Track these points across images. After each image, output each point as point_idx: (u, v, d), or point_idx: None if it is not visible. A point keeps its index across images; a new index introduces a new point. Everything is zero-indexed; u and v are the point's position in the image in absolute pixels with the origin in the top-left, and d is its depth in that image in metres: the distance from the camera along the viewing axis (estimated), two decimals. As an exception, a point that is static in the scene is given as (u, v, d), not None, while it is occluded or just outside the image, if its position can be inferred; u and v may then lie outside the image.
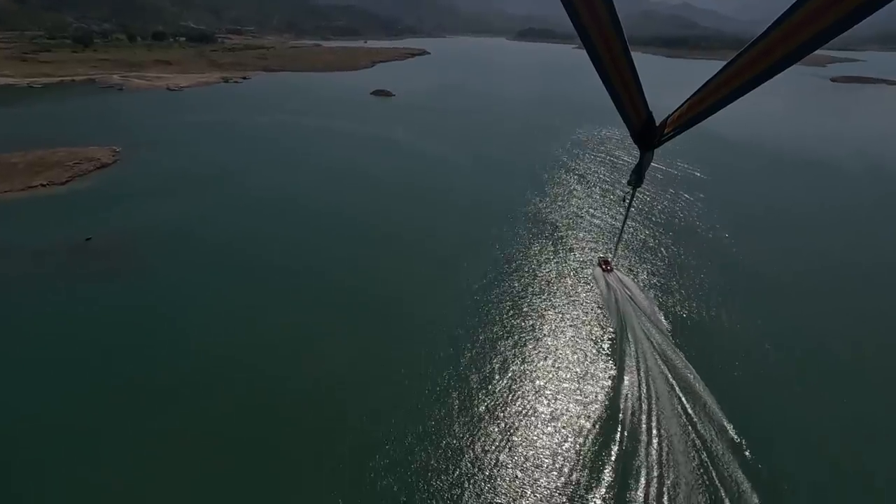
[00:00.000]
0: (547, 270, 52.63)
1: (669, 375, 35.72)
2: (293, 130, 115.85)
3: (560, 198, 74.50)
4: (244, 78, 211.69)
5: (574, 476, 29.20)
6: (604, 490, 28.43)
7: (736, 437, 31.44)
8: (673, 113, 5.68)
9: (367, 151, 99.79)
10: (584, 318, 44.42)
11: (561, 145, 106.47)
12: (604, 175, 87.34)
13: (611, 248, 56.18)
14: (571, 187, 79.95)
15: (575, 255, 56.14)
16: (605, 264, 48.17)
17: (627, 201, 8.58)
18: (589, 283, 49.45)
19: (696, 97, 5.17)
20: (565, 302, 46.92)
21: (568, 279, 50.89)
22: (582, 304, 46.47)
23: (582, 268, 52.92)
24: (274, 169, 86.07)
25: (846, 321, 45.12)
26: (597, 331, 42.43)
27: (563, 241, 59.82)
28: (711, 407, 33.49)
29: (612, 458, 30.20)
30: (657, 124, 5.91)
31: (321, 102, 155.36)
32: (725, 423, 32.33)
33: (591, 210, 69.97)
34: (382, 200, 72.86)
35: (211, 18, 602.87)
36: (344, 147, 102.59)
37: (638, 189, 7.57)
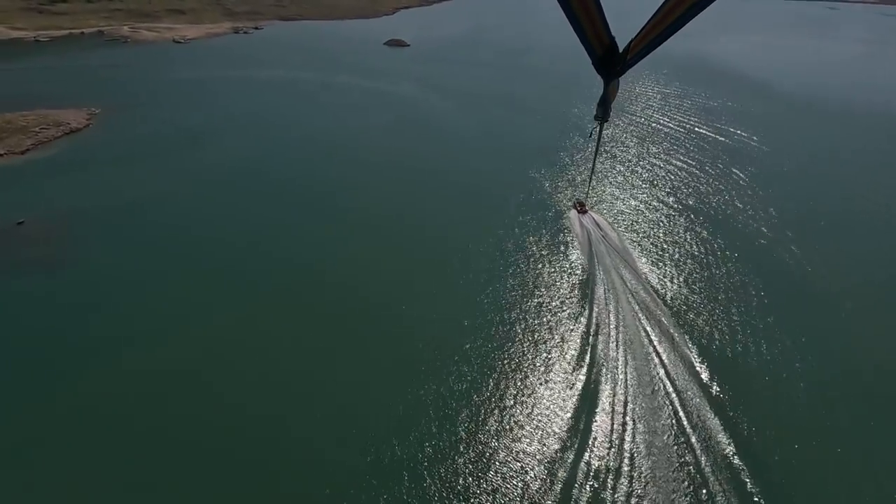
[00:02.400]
0: (530, 216, 52.96)
1: (638, 310, 37.61)
2: (289, 87, 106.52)
3: (571, 168, 64.15)
4: (256, 28, 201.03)
5: (540, 413, 30.50)
6: (570, 421, 29.87)
7: (701, 371, 33.25)
8: (635, 37, 5.18)
9: (363, 112, 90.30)
10: (560, 257, 45.59)
11: (585, 105, 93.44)
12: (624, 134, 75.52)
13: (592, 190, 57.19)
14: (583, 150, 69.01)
15: (558, 198, 57.14)
16: (579, 206, 49.68)
17: (595, 137, 4.57)
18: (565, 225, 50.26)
19: (656, 18, 4.86)
20: (545, 241, 47.90)
21: (549, 221, 51.54)
22: (559, 245, 47.32)
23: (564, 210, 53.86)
24: (256, 134, 78.18)
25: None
26: (571, 269, 43.71)
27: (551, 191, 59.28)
28: (678, 342, 35.27)
29: (580, 388, 31.99)
30: (621, 50, 5.39)
31: (329, 54, 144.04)
32: (692, 359, 34.10)
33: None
34: (369, 170, 66.07)
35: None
36: (339, 107, 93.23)
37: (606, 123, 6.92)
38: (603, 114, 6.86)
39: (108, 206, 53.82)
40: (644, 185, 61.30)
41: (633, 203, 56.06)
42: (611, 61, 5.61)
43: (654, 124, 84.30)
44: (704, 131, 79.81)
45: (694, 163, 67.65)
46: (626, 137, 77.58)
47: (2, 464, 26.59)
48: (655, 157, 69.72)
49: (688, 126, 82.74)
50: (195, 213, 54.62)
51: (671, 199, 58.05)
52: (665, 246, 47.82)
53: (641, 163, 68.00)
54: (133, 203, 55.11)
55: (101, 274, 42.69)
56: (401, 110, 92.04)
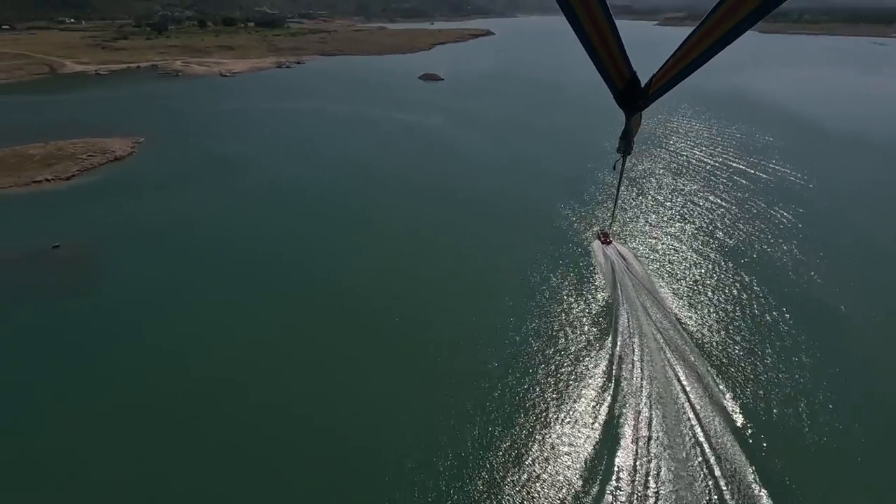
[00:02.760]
0: (553, 244, 52.57)
1: (664, 345, 35.83)
2: (324, 118, 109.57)
3: (594, 201, 62.03)
4: (298, 62, 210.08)
5: (560, 442, 29.41)
6: (590, 455, 28.47)
7: (729, 408, 31.36)
8: (657, 71, 5.21)
9: (393, 141, 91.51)
10: (583, 286, 44.68)
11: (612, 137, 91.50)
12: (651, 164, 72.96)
13: (619, 221, 56.58)
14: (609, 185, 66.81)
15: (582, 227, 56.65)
16: (603, 237, 49.10)
17: (618, 170, 7.30)
18: (589, 255, 49.69)
19: (679, 53, 4.89)
20: (568, 269, 47.34)
21: (572, 249, 51.15)
22: (582, 273, 46.71)
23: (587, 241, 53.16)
24: (290, 161, 79.98)
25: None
26: (593, 298, 42.76)
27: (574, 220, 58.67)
28: (706, 379, 33.43)
29: (602, 424, 30.41)
30: (642, 85, 5.42)
31: (365, 87, 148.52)
32: (720, 396, 32.28)
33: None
34: (396, 196, 66.97)
35: (285, 3, 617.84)
36: (370, 136, 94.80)
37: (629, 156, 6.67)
38: (625, 147, 6.67)
39: (141, 230, 55.19)
40: (675, 220, 58.95)
41: (661, 236, 54.10)
42: (632, 95, 5.54)
43: (689, 159, 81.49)
44: (743, 167, 76.40)
45: (731, 199, 64.34)
46: (659, 172, 75.11)
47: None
48: (689, 192, 66.80)
49: (725, 161, 79.56)
50: (227, 233, 55.79)
51: (703, 234, 55.35)
52: (694, 280, 45.75)
53: (674, 197, 65.29)
54: (165, 225, 56.49)
55: (128, 295, 43.10)
56: (430, 140, 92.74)
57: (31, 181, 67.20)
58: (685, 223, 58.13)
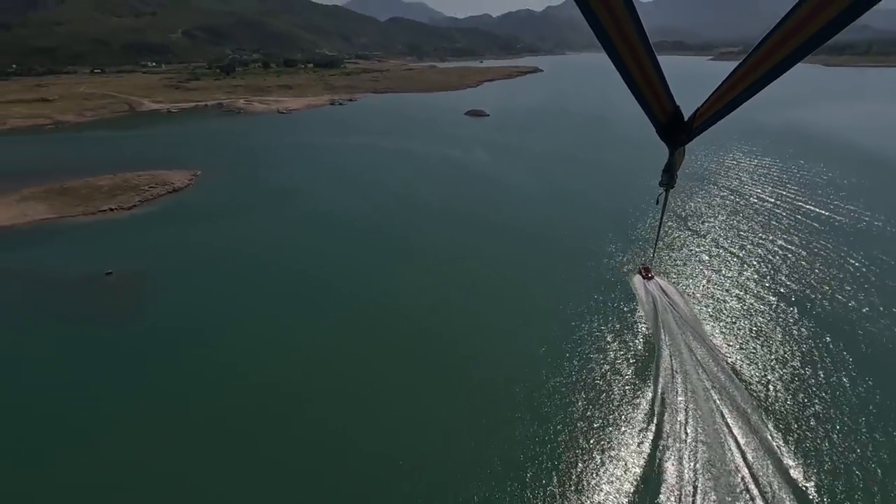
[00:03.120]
0: (592, 277, 51.54)
1: (710, 387, 33.79)
2: (370, 152, 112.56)
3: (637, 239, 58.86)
4: (350, 100, 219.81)
5: (596, 490, 27.55)
6: None
7: (786, 460, 28.52)
8: (702, 105, 5.18)
9: (436, 174, 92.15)
10: (622, 321, 43.08)
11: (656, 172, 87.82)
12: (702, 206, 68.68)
13: (664, 257, 54.88)
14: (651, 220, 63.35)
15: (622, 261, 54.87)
16: (645, 271, 47.83)
17: (661, 204, 7.05)
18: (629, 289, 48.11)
19: (724, 86, 4.81)
20: (607, 303, 45.96)
21: (612, 283, 49.71)
22: (621, 308, 45.19)
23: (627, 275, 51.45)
24: (336, 192, 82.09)
25: None
26: (634, 334, 41.08)
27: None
28: (760, 429, 30.56)
29: (642, 470, 28.46)
30: (686, 119, 5.41)
31: (412, 123, 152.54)
32: (774, 446, 29.41)
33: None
34: (438, 225, 68.17)
35: (342, 45, 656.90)
36: (413, 170, 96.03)
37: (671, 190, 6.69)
38: (668, 180, 6.49)
39: (189, 257, 57.45)
40: (727, 258, 55.34)
41: (710, 274, 51.80)
42: (675, 129, 5.47)
43: (745, 196, 76.69)
44: (810, 206, 70.68)
45: (793, 240, 59.17)
46: (710, 209, 70.96)
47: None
48: (745, 231, 62.39)
49: (786, 199, 74.10)
50: (274, 259, 57.31)
51: (759, 275, 51.19)
52: (747, 323, 42.86)
53: (727, 235, 61.15)
54: (213, 252, 58.73)
55: (170, 321, 44.17)
56: (472, 173, 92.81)
57: (98, 210, 72.10)
58: (740, 263, 54.11)
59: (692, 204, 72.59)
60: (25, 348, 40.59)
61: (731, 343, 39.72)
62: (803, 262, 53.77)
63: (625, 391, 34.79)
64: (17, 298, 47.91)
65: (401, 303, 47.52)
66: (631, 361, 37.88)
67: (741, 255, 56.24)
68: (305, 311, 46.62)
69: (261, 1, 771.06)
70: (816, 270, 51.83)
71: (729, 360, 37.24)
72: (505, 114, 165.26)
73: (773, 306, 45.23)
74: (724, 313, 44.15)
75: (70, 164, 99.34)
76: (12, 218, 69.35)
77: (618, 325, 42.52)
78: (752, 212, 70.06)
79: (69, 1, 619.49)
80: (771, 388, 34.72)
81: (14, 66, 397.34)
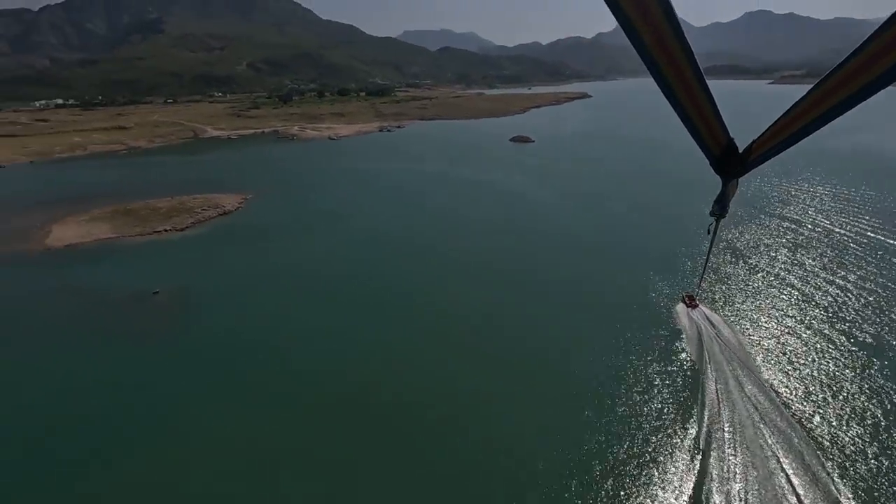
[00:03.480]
0: (633, 307, 49.19)
1: (758, 420, 31.91)
2: (412, 178, 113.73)
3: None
4: (398, 127, 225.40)
5: None
6: None
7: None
8: (758, 138, 5.10)
9: (473, 202, 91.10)
10: (665, 351, 41.16)
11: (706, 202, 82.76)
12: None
13: (715, 288, 52.33)
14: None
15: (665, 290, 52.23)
16: (689, 299, 46.68)
17: (711, 233, 6.89)
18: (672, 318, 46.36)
19: (785, 119, 4.69)
20: (649, 332, 44.03)
21: (654, 312, 47.73)
22: (663, 337, 43.37)
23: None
24: (378, 216, 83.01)
25: None
26: (677, 365, 39.23)
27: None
28: (818, 474, 27.80)
29: None
30: (740, 151, 5.32)
31: (454, 149, 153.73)
32: (834, 489, 26.86)
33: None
34: (473, 246, 67.41)
35: (395, 75, 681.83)
36: (451, 196, 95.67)
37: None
38: (720, 210, 6.33)
39: (233, 278, 58.96)
40: (784, 290, 51.64)
41: (762, 305, 48.78)
42: (729, 161, 5.36)
43: (811, 227, 70.84)
44: (890, 241, 64.15)
45: (867, 277, 53.62)
46: (768, 238, 66.00)
47: None
48: (806, 263, 57.38)
49: (860, 231, 67.71)
50: (315, 280, 58.55)
51: (819, 309, 46.96)
52: (802, 357, 39.94)
53: (786, 267, 56.47)
54: (256, 273, 60.13)
55: (208, 340, 45.12)
56: (509, 202, 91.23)
57: (153, 231, 76.17)
58: (800, 296, 50.39)
59: (747, 232, 68.38)
60: (74, 366, 42.29)
61: (785, 379, 36.96)
62: (878, 302, 48.30)
63: (666, 424, 32.95)
64: (71, 316, 50.51)
65: (436, 328, 46.76)
66: (673, 392, 36.18)
67: (802, 287, 52.06)
68: (349, 327, 47.18)
69: (319, 35, 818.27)
70: (894, 313, 46.31)
71: (783, 397, 34.73)
72: (550, 140, 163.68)
73: (838, 345, 41.37)
74: (777, 347, 41.26)
75: (136, 187, 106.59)
76: (79, 236, 74.43)
77: (658, 354, 40.79)
78: (817, 243, 64.58)
79: (151, 38, 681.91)
80: (830, 428, 31.81)
81: (100, 97, 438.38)
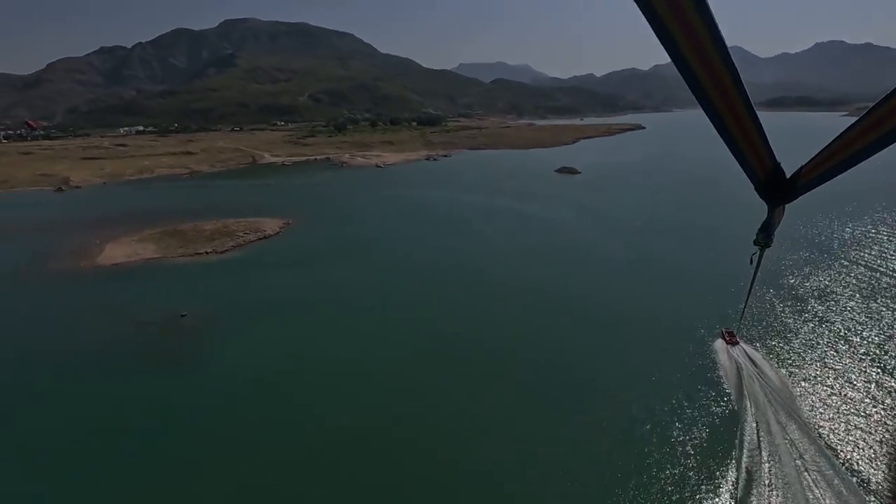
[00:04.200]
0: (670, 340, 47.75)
1: (802, 467, 29.99)
2: (453, 207, 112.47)
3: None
4: (445, 156, 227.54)
5: None
6: None
7: None
8: (808, 162, 4.88)
9: (512, 233, 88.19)
10: (701, 388, 39.67)
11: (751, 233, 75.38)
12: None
13: (758, 323, 50.20)
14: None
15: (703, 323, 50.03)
16: (728, 335, 45.43)
17: (754, 264, 6.08)
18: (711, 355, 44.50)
19: (838, 143, 4.54)
20: (684, 368, 42.67)
21: (692, 348, 45.94)
22: (700, 373, 41.92)
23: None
24: (411, 245, 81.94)
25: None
26: (715, 403, 37.80)
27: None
28: None
29: None
30: (788, 176, 5.09)
31: (499, 179, 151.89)
32: None
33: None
34: (501, 286, 63.75)
35: (447, 105, 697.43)
36: (491, 226, 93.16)
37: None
38: (765, 239, 6.02)
39: (264, 302, 59.23)
40: (836, 332, 48.70)
41: (812, 347, 46.06)
42: (775, 187, 5.13)
43: (876, 271, 63.38)
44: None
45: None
46: (828, 283, 59.29)
47: None
48: (864, 311, 51.65)
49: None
50: (346, 306, 58.45)
51: (870, 358, 43.99)
52: (852, 403, 37.35)
53: (845, 314, 51.17)
54: (288, 298, 60.36)
55: (227, 368, 44.60)
56: (550, 234, 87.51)
57: (195, 253, 78.61)
58: (852, 344, 46.28)
59: (801, 269, 63.45)
60: (89, 386, 42.79)
61: (832, 425, 34.74)
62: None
63: (702, 467, 31.48)
64: (98, 336, 51.72)
65: (465, 358, 45.53)
66: (709, 432, 34.60)
67: (854, 334, 48.42)
68: (375, 362, 45.93)
69: (377, 67, 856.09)
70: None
71: (830, 443, 32.67)
72: (597, 172, 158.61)
73: (893, 395, 38.13)
74: (824, 392, 38.84)
75: (189, 209, 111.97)
76: (126, 256, 77.97)
77: (695, 392, 39.24)
78: (879, 290, 57.43)
79: (225, 71, 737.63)
80: (885, 480, 29.65)
81: (175, 124, 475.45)
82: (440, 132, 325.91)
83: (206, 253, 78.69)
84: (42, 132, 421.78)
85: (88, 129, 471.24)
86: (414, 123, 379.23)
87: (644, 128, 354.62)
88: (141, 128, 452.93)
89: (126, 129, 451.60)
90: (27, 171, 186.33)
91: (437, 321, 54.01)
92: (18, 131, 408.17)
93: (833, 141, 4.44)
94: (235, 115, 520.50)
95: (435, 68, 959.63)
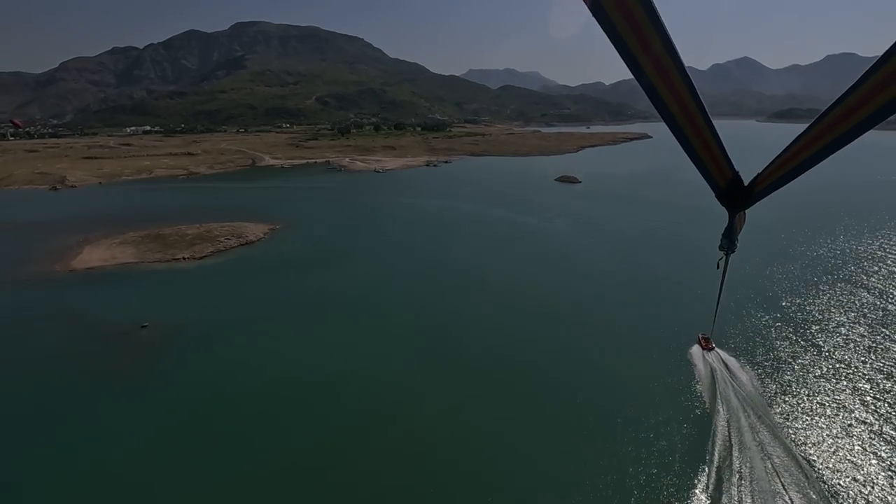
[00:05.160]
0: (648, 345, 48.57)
1: (776, 475, 30.38)
2: (445, 215, 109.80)
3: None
4: (446, 161, 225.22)
5: None
6: None
7: None
8: (763, 171, 5.38)
9: (502, 244, 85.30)
10: (675, 392, 40.40)
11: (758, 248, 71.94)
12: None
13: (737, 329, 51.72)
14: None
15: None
16: (704, 341, 46.40)
17: (721, 269, 7.20)
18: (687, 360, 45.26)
19: (788, 152, 4.97)
20: (661, 373, 43.17)
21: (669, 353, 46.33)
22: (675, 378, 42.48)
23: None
24: (394, 256, 79.05)
25: None
26: (687, 406, 38.66)
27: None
28: None
29: None
30: (746, 184, 5.59)
31: (496, 187, 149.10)
32: None
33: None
34: (487, 294, 61.96)
35: (455, 111, 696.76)
36: (481, 237, 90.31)
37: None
38: (728, 245, 6.61)
39: (230, 315, 56.47)
40: (813, 344, 48.78)
41: (787, 356, 46.44)
42: (735, 194, 5.56)
43: (860, 288, 60.12)
44: None
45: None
46: (813, 299, 56.39)
47: None
48: (842, 322, 48.77)
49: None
50: (316, 325, 54.65)
51: (846, 366, 44.43)
52: (825, 410, 38.20)
53: (823, 325, 47.64)
54: (255, 311, 57.40)
55: (178, 387, 42.13)
56: (541, 245, 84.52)
57: (172, 258, 76.46)
58: (827, 353, 47.00)
59: (779, 280, 61.01)
60: (32, 402, 40.38)
61: (804, 431, 35.48)
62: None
63: (674, 466, 32.23)
64: (52, 345, 49.41)
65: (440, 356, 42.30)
66: (682, 434, 35.39)
67: (830, 344, 48.80)
68: (346, 375, 43.79)
69: (386, 72, 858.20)
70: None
71: (801, 449, 33.45)
72: (599, 181, 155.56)
73: (866, 403, 38.72)
74: (798, 398, 39.50)
75: (177, 211, 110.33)
76: (102, 259, 75.99)
77: (670, 394, 40.06)
78: (856, 299, 55.17)
79: (234, 74, 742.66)
80: (856, 487, 30.11)
81: (182, 125, 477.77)
82: (443, 138, 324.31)
83: (184, 259, 76.48)
84: (26, 130, 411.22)
85: (97, 128, 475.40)
86: (418, 129, 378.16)
87: (651, 137, 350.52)
88: (148, 128, 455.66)
89: (133, 128, 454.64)
90: (26, 168, 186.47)
91: (415, 337, 51.33)
92: (1, 130, 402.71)
93: (783, 151, 4.72)
94: (242, 117, 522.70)
95: (445, 74, 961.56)
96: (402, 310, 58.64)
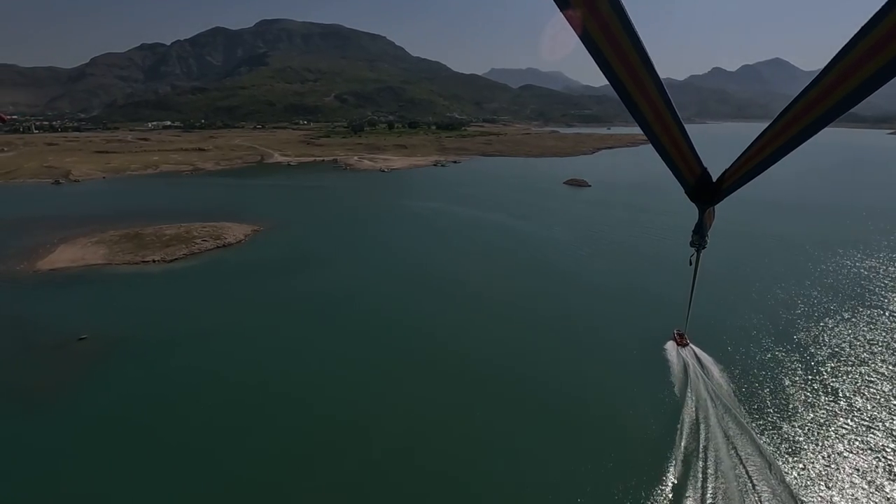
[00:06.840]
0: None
1: (741, 466, 31.64)
2: (441, 220, 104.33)
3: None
4: (455, 162, 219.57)
5: None
6: None
7: None
8: (730, 168, 5.56)
9: (494, 251, 79.75)
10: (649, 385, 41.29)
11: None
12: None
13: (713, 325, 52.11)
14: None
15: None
16: (679, 337, 47.45)
17: (693, 265, 7.39)
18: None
19: (753, 148, 5.15)
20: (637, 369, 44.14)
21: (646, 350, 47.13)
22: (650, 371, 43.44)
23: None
24: (378, 264, 73.89)
25: None
26: (660, 397, 39.67)
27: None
28: None
29: None
30: (714, 180, 5.78)
31: (502, 189, 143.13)
32: None
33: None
34: (471, 303, 57.73)
35: (474, 110, 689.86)
36: (474, 243, 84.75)
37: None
38: (699, 241, 6.76)
39: (182, 328, 52.17)
40: (796, 336, 48.66)
41: (760, 352, 47.45)
42: (704, 190, 5.71)
43: (832, 291, 52.61)
44: None
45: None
46: (791, 299, 48.87)
47: None
48: (816, 319, 40.90)
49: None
50: (283, 338, 50.26)
51: (814, 362, 42.09)
52: (792, 405, 38.96)
53: (799, 323, 40.32)
54: (211, 325, 52.86)
55: (103, 410, 38.15)
56: (533, 254, 78.64)
57: (142, 260, 73.07)
58: (799, 349, 48.09)
59: (758, 278, 53.20)
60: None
61: (771, 423, 36.55)
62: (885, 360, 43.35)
63: (641, 455, 33.18)
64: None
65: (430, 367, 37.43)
66: (655, 424, 36.40)
67: (805, 339, 49.98)
68: (311, 396, 39.86)
69: (406, 71, 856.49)
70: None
71: (766, 439, 34.66)
72: (610, 186, 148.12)
73: (831, 398, 39.93)
74: (765, 390, 40.80)
75: (166, 208, 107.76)
76: (71, 260, 73.05)
77: (643, 388, 40.91)
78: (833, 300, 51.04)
79: (256, 70, 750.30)
80: (811, 478, 31.10)
81: (202, 120, 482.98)
82: (456, 137, 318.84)
83: (154, 261, 72.99)
84: (13, 123, 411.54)
85: (121, 122, 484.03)
86: (433, 127, 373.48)
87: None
88: (168, 123, 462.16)
89: (154, 123, 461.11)
90: (35, 162, 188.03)
91: (392, 344, 46.70)
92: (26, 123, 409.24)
93: (748, 147, 4.87)
94: (261, 114, 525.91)
95: (466, 73, 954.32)
96: (375, 318, 54.33)
